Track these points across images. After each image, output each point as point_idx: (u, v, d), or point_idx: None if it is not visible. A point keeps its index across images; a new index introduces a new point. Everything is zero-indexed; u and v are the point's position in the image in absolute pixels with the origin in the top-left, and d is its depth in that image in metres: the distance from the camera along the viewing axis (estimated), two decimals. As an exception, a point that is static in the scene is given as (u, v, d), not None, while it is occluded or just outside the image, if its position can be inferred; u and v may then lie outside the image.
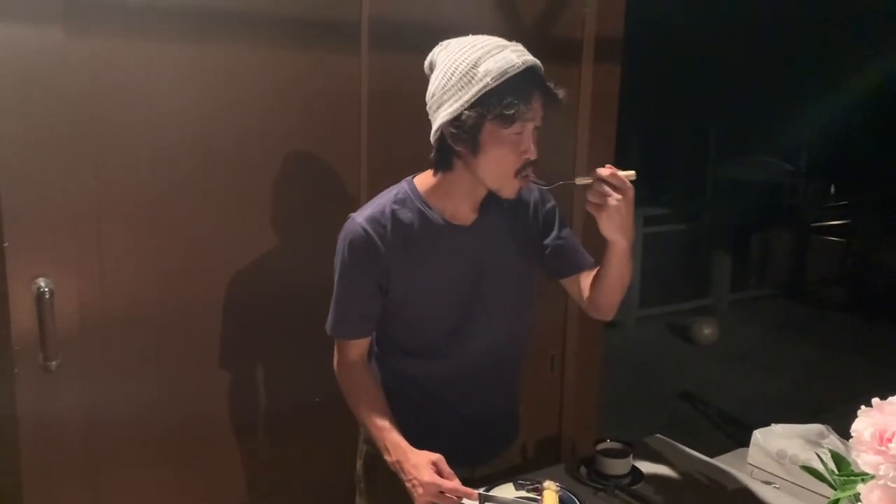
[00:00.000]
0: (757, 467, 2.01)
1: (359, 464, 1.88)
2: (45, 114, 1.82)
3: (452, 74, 1.54)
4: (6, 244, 1.82)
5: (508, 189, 1.62)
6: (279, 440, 2.28)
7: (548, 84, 1.56)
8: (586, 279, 1.80)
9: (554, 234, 1.82)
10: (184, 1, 1.97)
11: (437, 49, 1.62)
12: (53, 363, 1.88)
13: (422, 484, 1.54)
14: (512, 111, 1.50)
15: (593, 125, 2.78)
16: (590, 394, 3.04)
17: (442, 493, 1.53)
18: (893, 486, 1.15)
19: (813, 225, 8.70)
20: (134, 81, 1.94)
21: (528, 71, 1.53)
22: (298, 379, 2.25)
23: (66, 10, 1.80)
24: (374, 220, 1.64)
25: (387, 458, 1.64)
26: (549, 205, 1.84)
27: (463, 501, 1.54)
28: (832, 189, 9.64)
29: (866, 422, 1.18)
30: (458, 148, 1.58)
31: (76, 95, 1.85)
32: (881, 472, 1.15)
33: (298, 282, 2.17)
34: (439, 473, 1.55)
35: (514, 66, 1.51)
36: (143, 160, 1.98)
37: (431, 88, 1.60)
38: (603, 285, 1.73)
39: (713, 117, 8.89)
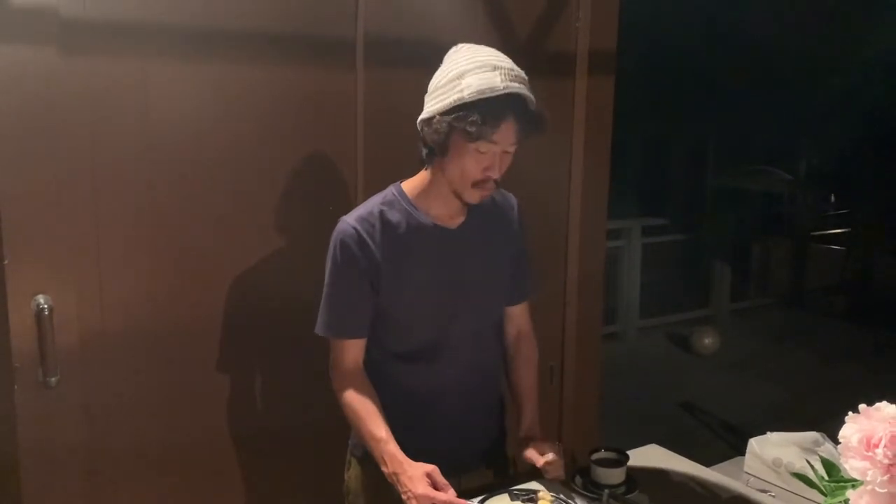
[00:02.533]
0: (753, 476, 2.02)
1: (347, 476, 1.90)
2: (44, 133, 1.84)
3: (443, 78, 1.63)
4: (6, 261, 1.83)
5: (468, 196, 1.69)
6: (276, 453, 2.29)
7: (528, 111, 1.61)
8: (512, 310, 1.93)
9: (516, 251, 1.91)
10: (179, 19, 2.00)
11: (451, 49, 1.69)
12: (53, 379, 1.89)
13: (416, 496, 1.55)
14: (474, 129, 1.55)
15: (588, 138, 2.79)
16: (589, 404, 3.04)
17: None
18: (881, 491, 1.16)
19: (813, 234, 8.71)
20: (130, 99, 1.96)
21: (508, 97, 1.57)
22: (296, 391, 2.26)
23: (61, 30, 1.83)
24: (363, 220, 1.70)
25: (383, 469, 1.66)
26: (519, 221, 1.92)
27: None
28: (832, 198, 9.66)
29: (853, 428, 1.20)
30: (430, 145, 1.66)
31: (73, 114, 1.88)
32: (869, 478, 1.17)
33: (296, 294, 2.17)
34: (434, 485, 1.57)
35: (493, 88, 1.56)
36: (141, 177, 2.00)
37: (430, 84, 1.68)
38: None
39: (711, 127, 8.92)
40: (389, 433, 1.67)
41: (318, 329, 1.75)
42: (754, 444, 2.05)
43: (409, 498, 1.58)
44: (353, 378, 1.75)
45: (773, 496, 1.85)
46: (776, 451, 1.99)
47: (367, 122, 2.30)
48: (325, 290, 1.74)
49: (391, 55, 2.33)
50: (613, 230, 6.45)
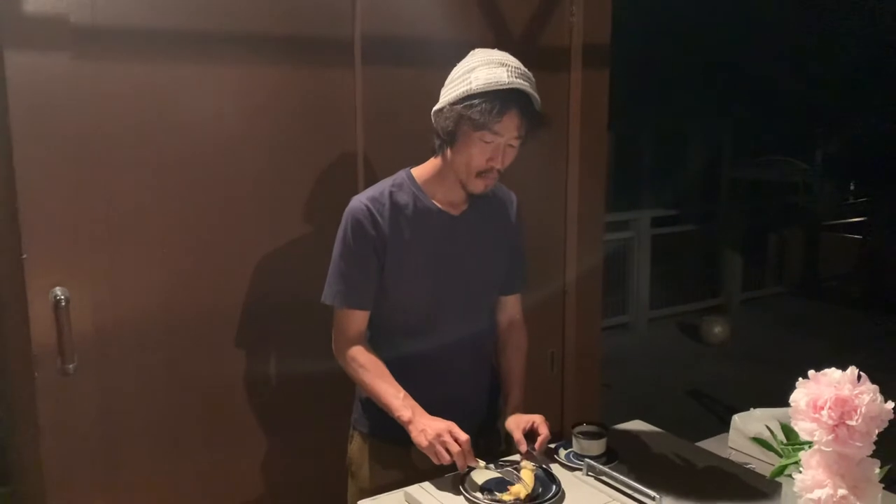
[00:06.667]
0: (736, 450, 2.10)
1: (350, 448, 2.00)
2: (58, 134, 1.94)
3: (456, 73, 1.77)
4: (25, 256, 1.94)
5: (472, 185, 1.80)
6: (283, 430, 2.39)
7: (532, 108, 1.74)
8: (506, 300, 2.04)
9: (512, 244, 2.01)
10: (183, 24, 2.10)
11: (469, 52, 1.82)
12: (71, 367, 1.99)
13: (433, 429, 1.70)
14: (479, 118, 1.68)
15: (584, 131, 2.86)
16: (590, 391, 3.09)
17: (444, 444, 1.68)
18: (827, 450, 1.24)
19: (831, 222, 8.69)
20: (139, 100, 2.06)
21: (513, 91, 1.70)
22: (302, 377, 2.36)
23: (72, 37, 1.93)
24: (374, 199, 1.83)
25: (400, 416, 1.77)
26: (517, 216, 2.02)
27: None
28: (851, 186, 9.62)
29: (802, 392, 1.29)
30: (441, 136, 1.78)
31: (86, 115, 1.98)
32: (816, 438, 1.25)
33: (300, 285, 2.27)
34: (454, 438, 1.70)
35: (500, 82, 1.69)
36: (150, 174, 2.10)
37: (446, 80, 1.81)
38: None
39: (725, 117, 8.91)
40: (400, 387, 1.81)
41: (326, 298, 1.86)
42: (737, 419, 2.13)
43: (422, 431, 1.71)
44: (358, 344, 1.87)
45: (753, 468, 1.92)
46: (759, 425, 2.06)
47: (366, 118, 2.39)
48: (333, 262, 1.86)
49: (388, 53, 2.41)
50: (622, 221, 6.51)
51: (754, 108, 8.64)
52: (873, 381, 1.29)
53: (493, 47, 1.81)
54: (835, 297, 7.73)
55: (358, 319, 1.87)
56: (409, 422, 1.75)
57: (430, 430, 1.71)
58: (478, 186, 1.80)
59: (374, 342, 1.92)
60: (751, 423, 2.08)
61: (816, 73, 8.20)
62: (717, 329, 6.25)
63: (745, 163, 9.52)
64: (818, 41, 7.92)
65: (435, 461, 1.71)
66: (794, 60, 8.15)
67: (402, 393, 1.80)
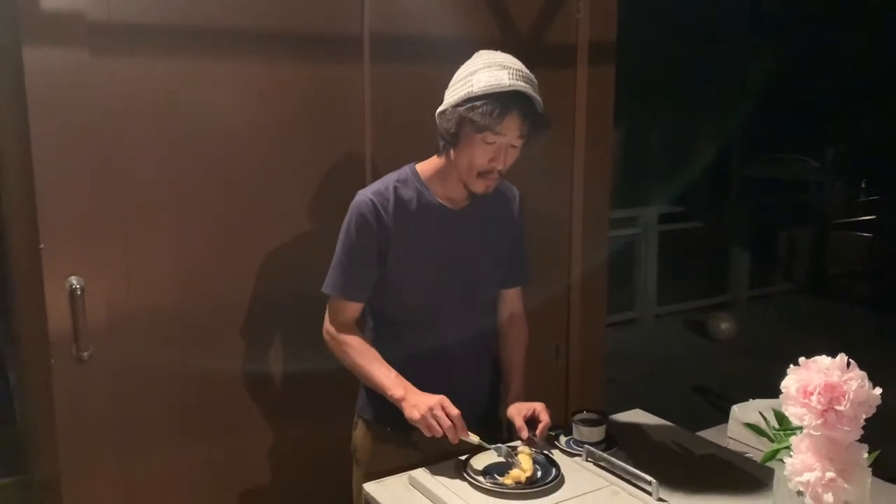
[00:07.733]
0: (734, 439, 2.13)
1: (354, 435, 2.05)
2: (75, 128, 2.00)
3: (459, 76, 1.80)
4: (41, 246, 1.99)
5: (474, 185, 1.85)
6: (290, 420, 2.45)
7: (533, 109, 1.77)
8: (507, 293, 2.07)
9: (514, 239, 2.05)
10: (196, 21, 2.15)
11: (474, 54, 1.85)
12: (86, 354, 2.04)
13: (426, 403, 1.75)
14: (480, 119, 1.72)
15: (590, 128, 2.89)
16: (595, 385, 3.11)
17: (436, 418, 1.73)
18: (816, 434, 1.28)
19: (841, 221, 8.67)
20: (153, 95, 2.11)
21: (514, 93, 1.73)
22: (308, 367, 2.40)
23: (88, 33, 1.98)
24: (379, 194, 1.87)
25: (392, 394, 1.82)
26: (520, 211, 2.06)
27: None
28: (862, 184, 9.60)
29: (793, 378, 1.33)
30: (444, 137, 1.82)
31: (102, 110, 2.03)
32: (805, 423, 1.29)
33: (309, 278, 2.31)
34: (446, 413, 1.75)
35: (501, 84, 1.73)
36: (164, 168, 2.16)
37: (450, 81, 1.85)
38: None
39: (735, 114, 8.90)
40: (391, 368, 1.86)
41: (326, 288, 1.91)
42: (736, 409, 2.16)
43: (415, 406, 1.76)
44: (352, 332, 1.92)
45: (750, 456, 1.96)
46: (757, 416, 2.09)
47: (374, 114, 2.43)
48: (336, 254, 1.90)
49: (397, 51, 2.45)
50: (630, 217, 6.53)
51: (765, 106, 8.63)
52: (880, 380, 1.32)
53: (499, 44, 1.85)
54: (843, 295, 7.72)
55: (353, 309, 1.92)
56: (402, 399, 1.80)
57: (422, 404, 1.76)
58: (479, 186, 1.84)
59: (377, 335, 1.97)
60: (749, 413, 2.12)
61: (828, 71, 8.20)
62: (724, 326, 6.25)
63: (754, 160, 9.51)
64: (828, 39, 7.91)
65: (427, 434, 1.76)
66: (806, 58, 8.14)
67: (393, 373, 1.85)
